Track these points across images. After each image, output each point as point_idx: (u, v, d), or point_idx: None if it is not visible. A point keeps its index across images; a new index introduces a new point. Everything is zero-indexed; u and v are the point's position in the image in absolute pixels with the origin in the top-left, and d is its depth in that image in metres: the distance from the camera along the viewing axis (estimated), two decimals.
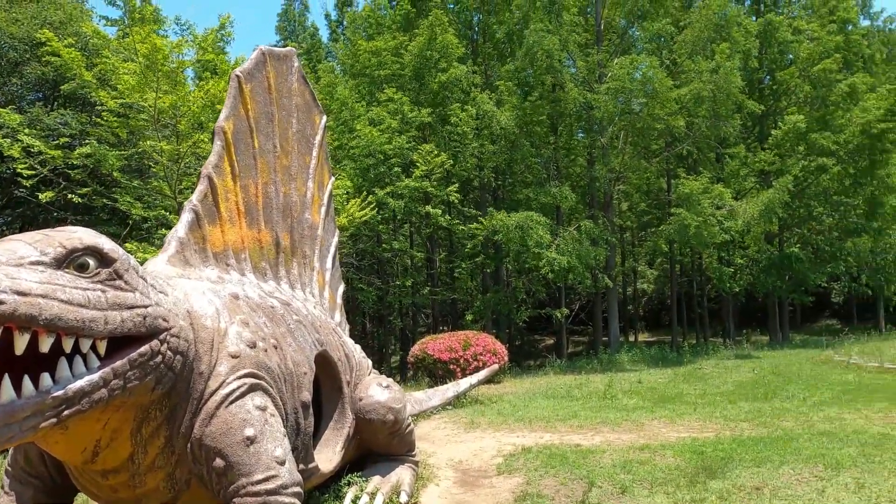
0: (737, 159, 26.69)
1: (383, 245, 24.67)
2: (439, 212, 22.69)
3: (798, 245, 28.12)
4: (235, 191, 5.48)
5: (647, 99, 21.45)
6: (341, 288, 7.29)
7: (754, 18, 28.71)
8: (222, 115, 5.54)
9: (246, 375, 4.12)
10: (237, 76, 5.74)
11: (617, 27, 25.69)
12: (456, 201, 24.46)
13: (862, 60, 30.15)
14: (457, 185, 23.72)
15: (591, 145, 24.05)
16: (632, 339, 36.73)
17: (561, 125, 25.45)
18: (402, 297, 25.09)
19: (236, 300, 4.61)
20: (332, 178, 7.43)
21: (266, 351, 4.43)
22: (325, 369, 5.68)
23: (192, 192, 5.24)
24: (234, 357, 4.11)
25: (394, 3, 30.03)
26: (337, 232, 7.36)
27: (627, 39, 25.59)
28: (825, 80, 25.44)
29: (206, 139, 14.29)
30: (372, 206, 19.08)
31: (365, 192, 20.00)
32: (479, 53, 28.36)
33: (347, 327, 7.31)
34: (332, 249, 7.10)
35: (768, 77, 29.06)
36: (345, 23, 33.86)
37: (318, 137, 6.98)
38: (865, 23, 37.05)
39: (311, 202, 6.67)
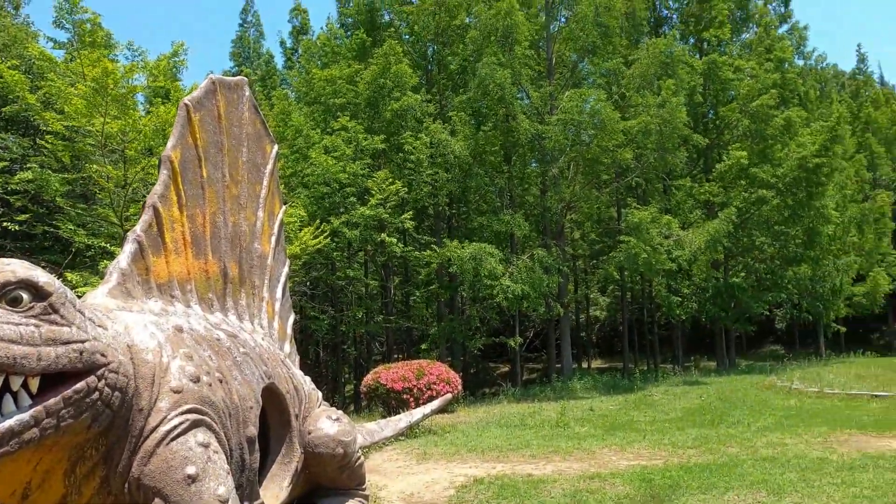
0: (683, 190, 27.56)
1: (337, 273, 24.47)
2: (394, 240, 22.68)
3: (742, 273, 29.05)
4: (182, 220, 5.39)
5: (595, 131, 22.02)
6: (291, 318, 7.19)
7: (699, 56, 29.95)
8: (169, 144, 5.46)
9: (188, 411, 4.01)
10: (185, 105, 5.69)
11: (568, 61, 26.41)
12: (411, 229, 24.49)
13: (797, 98, 31.69)
14: (411, 212, 23.79)
15: (544, 175, 24.51)
16: (585, 365, 37.12)
17: (514, 155, 25.89)
18: (355, 326, 24.85)
19: (180, 333, 4.51)
20: (284, 207, 7.36)
21: (210, 385, 4.32)
22: (273, 402, 5.57)
23: (138, 220, 5.14)
24: (176, 392, 4.00)
25: (349, 32, 30.26)
26: (287, 261, 7.28)
27: (578, 73, 26.32)
28: (763, 115, 26.63)
29: (155, 164, 14.04)
30: (326, 234, 18.96)
31: (319, 220, 19.87)
32: (433, 83, 28.74)
33: (297, 358, 7.19)
34: (283, 279, 7.01)
35: (712, 112, 30.24)
36: (300, 50, 33.91)
37: (269, 166, 6.93)
38: (800, 62, 39.09)
39: (260, 231, 6.59)
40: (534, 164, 26.78)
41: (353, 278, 24.68)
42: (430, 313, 30.91)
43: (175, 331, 4.46)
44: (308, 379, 6.69)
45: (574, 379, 22.77)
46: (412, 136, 23.90)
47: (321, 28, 36.02)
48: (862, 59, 53.47)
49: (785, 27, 37.51)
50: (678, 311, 26.96)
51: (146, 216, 5.08)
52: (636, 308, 35.28)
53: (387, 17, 29.46)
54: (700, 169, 30.27)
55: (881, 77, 61.70)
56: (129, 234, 4.98)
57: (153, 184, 12.41)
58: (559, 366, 25.62)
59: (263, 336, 6.14)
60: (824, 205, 26.58)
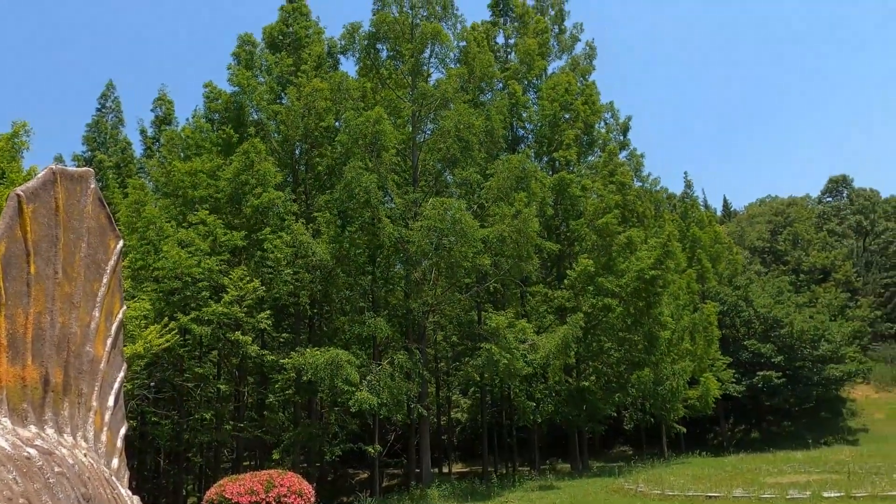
0: (538, 296, 29.07)
1: (186, 374, 22.77)
2: (249, 339, 21.68)
3: (593, 377, 30.60)
4: None
5: (456, 237, 22.95)
6: (124, 428, 6.52)
7: (550, 173, 32.62)
8: None
9: None
10: (18, 195, 5.24)
11: (432, 170, 27.70)
12: (268, 329, 23.58)
13: (636, 216, 35.15)
14: (269, 312, 23.00)
15: (407, 277, 24.92)
16: (446, 469, 36.54)
17: (379, 256, 26.18)
18: (201, 433, 22.97)
19: None
20: (124, 307, 6.86)
21: None
22: None
23: None
24: None
25: (216, 127, 29.88)
26: (125, 365, 6.69)
27: (441, 182, 27.62)
28: (608, 232, 29.25)
29: None
30: (173, 332, 17.78)
31: (166, 318, 18.64)
32: (300, 182, 28.81)
33: (127, 474, 6.48)
34: (117, 385, 6.40)
35: (564, 224, 32.71)
36: (162, 140, 32.89)
37: (112, 263, 6.48)
38: (638, 184, 43.61)
39: (94, 333, 6.05)
40: (398, 267, 27.19)
41: (203, 378, 23.08)
42: (286, 416, 29.36)
43: None
44: (136, 499, 6.03)
45: (433, 486, 22.32)
46: (273, 235, 23.53)
47: (186, 119, 35.21)
48: (689, 184, 60.61)
49: (624, 153, 42.05)
50: (532, 416, 27.71)
51: None
52: (496, 411, 35.72)
53: (255, 116, 29.54)
54: (554, 276, 32.22)
55: (704, 200, 70.27)
56: None
57: None
58: (419, 471, 25.04)
59: (87, 451, 5.51)
60: (661, 312, 29.07)
